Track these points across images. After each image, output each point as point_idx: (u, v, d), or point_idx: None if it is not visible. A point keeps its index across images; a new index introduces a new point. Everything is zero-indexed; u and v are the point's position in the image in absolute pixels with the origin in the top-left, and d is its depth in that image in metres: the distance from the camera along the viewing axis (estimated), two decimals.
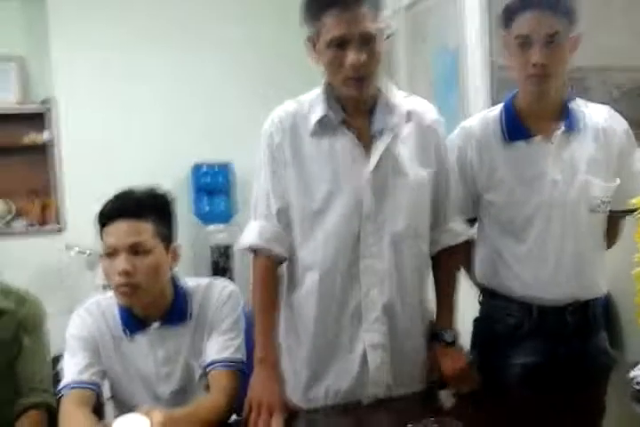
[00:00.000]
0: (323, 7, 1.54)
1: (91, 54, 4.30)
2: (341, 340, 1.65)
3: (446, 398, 1.66)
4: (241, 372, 1.63)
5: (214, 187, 4.54)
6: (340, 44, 1.54)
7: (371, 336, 1.64)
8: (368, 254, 1.62)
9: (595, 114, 1.78)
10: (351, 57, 1.53)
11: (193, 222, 4.47)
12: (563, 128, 1.73)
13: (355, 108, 1.64)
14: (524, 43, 1.65)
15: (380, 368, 1.64)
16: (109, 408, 1.76)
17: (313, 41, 1.60)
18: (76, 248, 3.92)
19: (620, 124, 1.79)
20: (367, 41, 1.54)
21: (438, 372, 1.69)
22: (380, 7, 1.59)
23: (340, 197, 1.61)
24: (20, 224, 4.38)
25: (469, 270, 1.90)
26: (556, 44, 1.64)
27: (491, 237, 1.82)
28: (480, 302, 1.90)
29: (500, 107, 1.82)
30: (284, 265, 1.70)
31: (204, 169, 4.54)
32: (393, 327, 1.65)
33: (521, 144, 1.74)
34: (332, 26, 1.53)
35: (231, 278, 4.28)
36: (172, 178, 4.21)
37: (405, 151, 1.64)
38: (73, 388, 1.54)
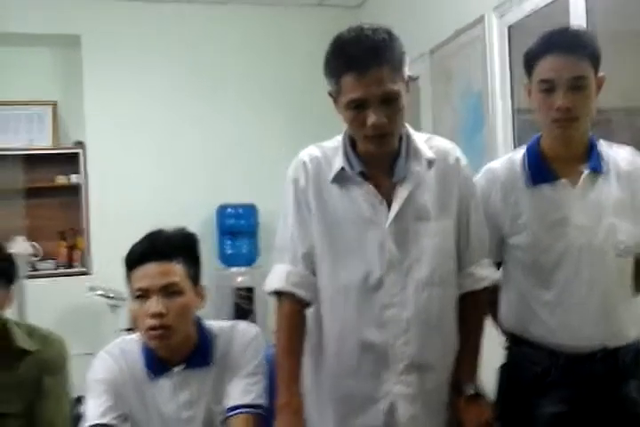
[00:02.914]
0: (342, 69, 1.52)
1: (121, 100, 4.43)
2: (366, 390, 1.61)
3: None
4: (262, 417, 1.61)
5: (239, 229, 4.56)
6: (361, 105, 1.53)
7: (398, 388, 1.60)
8: (392, 303, 1.59)
9: (619, 156, 1.76)
10: (372, 118, 1.52)
11: (216, 264, 4.49)
12: (587, 170, 1.71)
13: (375, 159, 1.63)
14: (548, 87, 1.65)
15: (410, 421, 1.60)
16: None
17: (334, 97, 1.60)
18: (100, 291, 3.94)
19: None
20: (388, 101, 1.52)
21: (460, 424, 1.64)
22: (403, 57, 1.57)
23: (362, 244, 1.60)
24: (46, 265, 4.43)
25: (495, 315, 1.86)
26: (579, 87, 1.64)
27: (516, 281, 1.79)
28: (505, 349, 1.86)
29: (523, 149, 1.81)
30: (309, 310, 1.68)
31: (229, 211, 4.57)
32: (422, 379, 1.61)
33: (545, 187, 1.73)
34: (351, 88, 1.52)
35: (253, 321, 4.25)
36: (197, 220, 4.24)
37: (428, 197, 1.63)
38: None
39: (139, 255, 1.59)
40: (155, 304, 1.55)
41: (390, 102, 1.53)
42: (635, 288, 1.79)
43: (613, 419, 1.68)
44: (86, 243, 4.46)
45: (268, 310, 4.13)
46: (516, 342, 1.80)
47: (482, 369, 1.71)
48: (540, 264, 1.72)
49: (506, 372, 1.84)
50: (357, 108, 1.53)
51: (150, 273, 1.57)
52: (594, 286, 1.69)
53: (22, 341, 1.83)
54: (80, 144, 4.49)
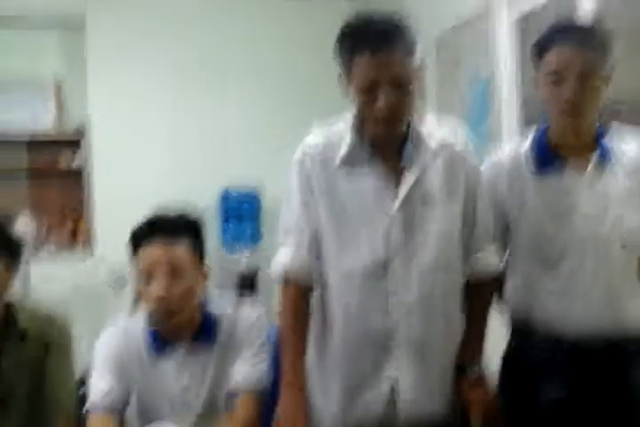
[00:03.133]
0: (355, 49, 1.52)
1: (125, 82, 4.41)
2: (369, 372, 1.63)
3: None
4: (265, 397, 1.62)
5: (242, 212, 4.56)
6: (372, 86, 1.52)
7: (401, 371, 1.61)
8: (396, 287, 1.60)
9: (627, 145, 1.75)
10: (382, 101, 1.52)
11: (219, 248, 4.49)
12: (595, 160, 1.70)
13: (383, 143, 1.63)
14: (557, 78, 1.64)
15: (411, 401, 1.62)
16: None
17: (344, 77, 1.59)
18: (103, 271, 3.95)
19: None
20: (399, 84, 1.52)
21: (462, 407, 1.66)
22: (415, 45, 1.55)
23: (368, 228, 1.60)
24: (50, 246, 4.44)
25: (499, 302, 1.86)
26: (588, 79, 1.62)
27: (521, 268, 1.79)
28: (509, 335, 1.86)
29: (530, 138, 1.80)
30: (315, 292, 1.68)
31: (232, 194, 4.57)
32: (425, 363, 1.62)
33: (552, 177, 1.72)
34: (363, 69, 1.51)
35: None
36: (200, 203, 4.23)
37: (435, 182, 1.63)
38: (98, 410, 1.54)
39: (144, 235, 1.60)
40: (160, 285, 1.55)
41: (401, 86, 1.52)
42: None
43: (617, 406, 1.69)
44: (89, 224, 4.47)
45: (271, 293, 4.14)
46: (521, 329, 1.81)
47: (486, 356, 1.72)
48: (545, 254, 1.72)
49: (510, 358, 1.85)
50: (368, 90, 1.53)
51: (155, 253, 1.57)
52: (598, 277, 1.68)
53: (25, 321, 1.83)
54: (83, 125, 4.48)
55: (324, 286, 1.66)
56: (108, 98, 4.39)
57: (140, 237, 1.60)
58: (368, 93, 1.54)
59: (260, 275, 4.36)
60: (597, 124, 1.74)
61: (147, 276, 1.57)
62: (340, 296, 1.63)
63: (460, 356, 1.69)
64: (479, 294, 1.73)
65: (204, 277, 1.67)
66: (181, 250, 1.59)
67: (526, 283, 1.77)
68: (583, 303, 1.69)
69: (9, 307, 1.83)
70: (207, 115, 4.55)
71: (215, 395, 1.65)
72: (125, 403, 1.61)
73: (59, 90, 4.57)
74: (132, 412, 1.65)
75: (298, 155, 1.68)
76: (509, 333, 1.86)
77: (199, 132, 4.54)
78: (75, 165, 4.51)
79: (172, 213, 1.65)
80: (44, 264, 4.13)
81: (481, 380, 1.67)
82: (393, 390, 1.62)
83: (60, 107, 4.58)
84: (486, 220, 1.71)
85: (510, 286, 1.83)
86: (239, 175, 4.50)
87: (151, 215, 1.64)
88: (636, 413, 1.70)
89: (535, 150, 1.76)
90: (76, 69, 4.49)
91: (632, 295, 1.73)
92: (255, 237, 4.58)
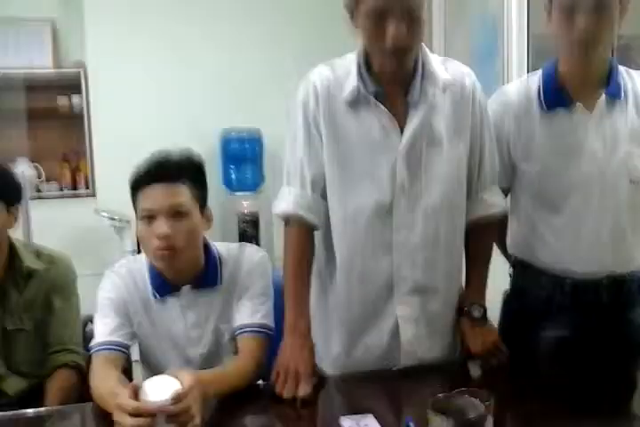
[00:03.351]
0: None
1: (122, 19, 4.28)
2: (372, 312, 1.64)
3: (476, 370, 1.64)
4: (269, 337, 1.63)
5: (243, 154, 4.52)
6: (380, 15, 1.47)
7: (402, 309, 1.63)
8: (400, 227, 1.60)
9: (637, 81, 1.71)
10: (392, 30, 1.48)
11: (220, 190, 4.47)
12: (605, 96, 1.67)
13: (391, 79, 1.59)
14: (570, 9, 1.58)
15: (413, 341, 1.64)
16: (138, 371, 1.78)
17: (351, 9, 1.54)
18: (105, 213, 3.94)
19: None
20: (409, 14, 1.47)
21: (466, 348, 1.68)
22: None
23: (373, 168, 1.59)
24: (51, 188, 4.42)
25: (502, 242, 1.86)
26: (603, 9, 1.57)
27: (525, 208, 1.78)
28: (511, 275, 1.87)
29: (539, 73, 1.76)
30: (318, 233, 1.68)
31: (233, 136, 4.51)
32: (425, 302, 1.64)
33: (560, 112, 1.69)
34: None
35: (257, 245, 4.28)
36: (200, 144, 4.18)
37: (441, 122, 1.60)
38: (103, 349, 1.54)
39: (144, 176, 1.57)
40: (162, 225, 1.53)
41: (411, 15, 1.48)
42: None
43: (618, 344, 1.70)
44: (90, 165, 4.44)
45: (273, 235, 4.15)
46: (523, 268, 1.81)
47: (488, 296, 1.72)
48: (551, 191, 1.71)
49: (511, 297, 1.86)
50: (376, 19, 1.48)
51: (156, 194, 1.55)
52: (604, 215, 1.67)
53: (30, 261, 1.85)
54: (81, 65, 4.39)
55: (328, 227, 1.65)
56: (105, 40, 4.27)
57: (140, 180, 1.57)
58: (376, 24, 1.49)
59: (262, 217, 4.35)
60: (609, 61, 1.70)
61: (148, 218, 1.55)
62: (344, 236, 1.63)
63: (463, 296, 1.70)
64: (482, 236, 1.73)
65: (207, 218, 1.66)
66: (183, 191, 1.57)
67: (529, 221, 1.77)
68: (587, 240, 1.68)
69: (12, 247, 1.85)
70: (207, 53, 4.44)
71: (219, 336, 1.66)
72: (130, 342, 1.61)
73: (55, 32, 4.45)
74: (134, 355, 1.66)
75: (302, 94, 1.64)
76: (511, 273, 1.87)
77: (199, 71, 4.44)
78: (74, 107, 4.43)
79: (172, 154, 1.61)
80: (46, 207, 4.12)
81: (484, 320, 1.68)
82: (395, 330, 1.64)
83: (58, 50, 4.46)
84: (492, 160, 1.69)
85: (513, 225, 1.83)
86: (240, 117, 4.43)
87: (151, 158, 1.60)
88: (635, 351, 1.72)
89: (543, 87, 1.72)
90: (72, 12, 4.36)
91: (637, 231, 1.73)
92: (257, 179, 4.55)
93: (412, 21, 1.49)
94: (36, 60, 4.39)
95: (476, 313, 1.67)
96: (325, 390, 1.57)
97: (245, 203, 4.49)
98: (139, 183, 1.58)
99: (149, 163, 1.59)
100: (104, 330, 1.57)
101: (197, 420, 1.25)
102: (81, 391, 1.75)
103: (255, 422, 1.48)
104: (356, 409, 1.41)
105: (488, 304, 1.72)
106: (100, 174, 4.35)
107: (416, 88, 1.59)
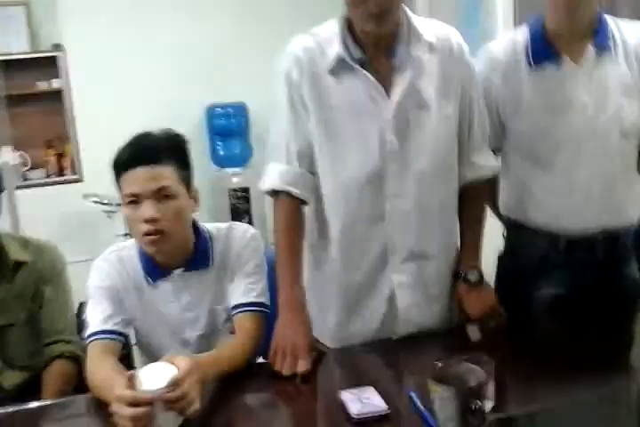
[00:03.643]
0: None
1: None
2: (368, 281, 1.64)
3: (475, 334, 1.63)
4: (266, 315, 1.61)
5: (229, 129, 4.47)
6: None
7: (398, 277, 1.62)
8: (392, 194, 1.58)
9: (627, 32, 1.67)
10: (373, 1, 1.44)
11: (209, 166, 4.44)
12: (593, 48, 1.63)
13: (374, 43, 1.56)
14: None
15: (410, 309, 1.64)
16: (137, 356, 1.77)
17: None
18: (94, 198, 3.91)
19: None
20: None
21: (464, 313, 1.67)
22: None
23: (362, 135, 1.56)
24: (37, 175, 4.38)
25: (494, 204, 1.85)
26: None
27: (516, 168, 1.76)
28: (504, 236, 1.86)
29: (525, 28, 1.72)
30: (309, 206, 1.66)
31: (219, 111, 4.46)
32: (421, 269, 1.63)
33: (549, 67, 1.66)
34: None
35: (250, 221, 4.27)
36: (186, 121, 4.14)
37: (429, 84, 1.57)
38: (97, 338, 1.53)
39: (126, 160, 1.53)
40: (148, 209, 1.50)
41: None
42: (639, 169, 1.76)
43: (613, 299, 1.70)
44: (75, 150, 4.39)
45: (265, 209, 4.13)
46: (516, 229, 1.81)
47: (483, 258, 1.72)
48: (541, 148, 1.69)
49: (506, 258, 1.86)
50: None
51: (140, 178, 1.51)
52: (596, 169, 1.66)
53: (16, 253, 1.82)
54: (58, 47, 4.30)
55: (319, 198, 1.64)
56: (82, 21, 4.20)
57: (122, 164, 1.54)
58: None
59: (253, 192, 4.33)
60: (597, 12, 1.66)
61: (133, 200, 1.52)
62: (336, 206, 1.62)
63: (458, 261, 1.69)
64: (474, 199, 1.71)
65: (194, 199, 1.63)
66: (167, 173, 1.54)
67: (521, 181, 1.75)
68: (580, 197, 1.67)
69: None
70: (188, 26, 4.36)
71: (215, 317, 1.65)
72: (125, 328, 1.60)
73: (30, 16, 4.36)
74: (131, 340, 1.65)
75: (284, 64, 1.61)
76: (504, 234, 1.86)
77: (181, 46, 4.37)
78: (53, 88, 4.35)
79: (153, 135, 1.58)
80: (34, 195, 4.08)
81: (480, 284, 1.68)
82: (391, 299, 1.63)
83: (34, 33, 4.38)
84: (482, 121, 1.67)
85: (505, 186, 1.82)
86: (224, 90, 4.38)
87: (131, 140, 1.57)
88: (631, 305, 1.73)
89: (531, 43, 1.68)
90: None
91: (629, 186, 1.72)
92: (245, 153, 4.52)
93: None
94: (13, 45, 4.31)
95: (472, 277, 1.67)
96: (325, 365, 1.56)
97: (235, 178, 4.46)
98: (121, 168, 1.54)
99: (130, 146, 1.56)
100: (98, 319, 1.55)
101: (197, 405, 1.24)
102: (79, 381, 1.74)
103: (256, 400, 1.48)
104: (356, 382, 1.40)
105: (484, 267, 1.71)
106: (85, 158, 4.31)
107: (401, 51, 1.56)
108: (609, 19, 1.68)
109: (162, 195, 1.52)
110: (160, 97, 4.31)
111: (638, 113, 1.65)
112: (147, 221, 1.50)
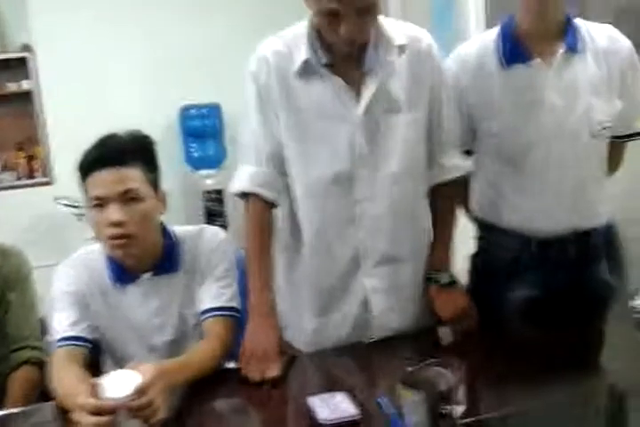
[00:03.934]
0: None
1: None
2: (340, 285, 1.63)
3: (447, 336, 1.62)
4: (236, 319, 1.59)
5: (203, 130, 4.44)
6: (333, 15, 1.42)
7: (370, 281, 1.62)
8: (363, 198, 1.58)
9: (596, 34, 1.69)
10: (345, 29, 1.43)
11: (183, 168, 4.40)
12: (563, 49, 1.64)
13: (344, 51, 1.54)
14: None
15: (385, 313, 1.63)
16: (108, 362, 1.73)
17: None
18: (64, 200, 3.86)
19: (622, 45, 1.69)
20: (362, 10, 1.42)
21: (435, 314, 1.66)
22: None
23: (331, 138, 1.55)
24: (7, 177, 4.32)
25: (466, 205, 1.85)
26: None
27: (487, 168, 1.76)
28: (477, 238, 1.86)
29: (496, 30, 1.72)
30: (282, 208, 1.65)
31: (193, 112, 4.42)
32: (394, 272, 1.63)
33: (519, 68, 1.66)
34: None
35: (224, 223, 4.24)
36: (159, 122, 4.11)
37: (399, 87, 1.57)
38: (62, 344, 1.50)
39: (91, 162, 1.50)
40: (114, 212, 1.47)
41: (364, 11, 1.43)
42: (609, 169, 1.77)
43: (584, 301, 1.70)
44: (45, 152, 4.32)
45: (239, 211, 4.10)
46: (488, 231, 1.81)
47: (454, 260, 1.72)
48: (512, 148, 1.69)
49: (478, 260, 1.86)
50: (330, 17, 1.43)
51: (106, 180, 1.48)
52: (566, 169, 1.67)
53: None
54: (27, 47, 4.24)
55: (291, 201, 1.63)
56: (51, 21, 4.13)
57: (87, 166, 1.50)
58: (330, 22, 1.44)
59: (227, 194, 4.30)
60: (566, 13, 1.67)
61: (99, 204, 1.49)
62: (307, 209, 1.61)
63: (429, 263, 1.69)
64: (444, 200, 1.71)
65: (162, 201, 1.60)
66: (134, 175, 1.51)
67: (492, 182, 1.76)
68: (551, 197, 1.68)
69: None
70: (162, 27, 4.32)
71: (183, 322, 1.62)
72: (92, 335, 1.56)
73: None
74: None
75: (252, 67, 1.60)
76: (476, 235, 1.86)
77: (154, 47, 4.33)
78: (22, 89, 4.28)
79: (119, 137, 1.55)
80: (3, 198, 4.03)
81: (451, 285, 1.67)
82: (365, 303, 1.63)
83: (2, 34, 4.29)
84: (451, 123, 1.67)
85: (476, 188, 1.82)
86: (198, 91, 4.34)
87: (97, 142, 1.54)
88: (602, 305, 1.74)
89: (502, 43, 1.69)
90: None
91: (599, 186, 1.74)
92: (220, 155, 4.49)
93: (366, 15, 1.44)
94: None
95: (443, 279, 1.66)
96: (296, 369, 1.55)
97: (209, 180, 4.43)
98: (86, 170, 1.51)
99: (95, 147, 1.53)
100: (63, 325, 1.52)
101: (161, 413, 1.22)
102: (44, 388, 1.70)
103: (225, 406, 1.46)
104: (328, 387, 1.39)
105: (456, 269, 1.71)
106: (56, 161, 4.25)
107: (370, 56, 1.55)
108: (579, 21, 1.69)
109: (128, 197, 1.49)
110: (133, 98, 4.27)
111: (607, 113, 1.66)
112: (113, 224, 1.47)
